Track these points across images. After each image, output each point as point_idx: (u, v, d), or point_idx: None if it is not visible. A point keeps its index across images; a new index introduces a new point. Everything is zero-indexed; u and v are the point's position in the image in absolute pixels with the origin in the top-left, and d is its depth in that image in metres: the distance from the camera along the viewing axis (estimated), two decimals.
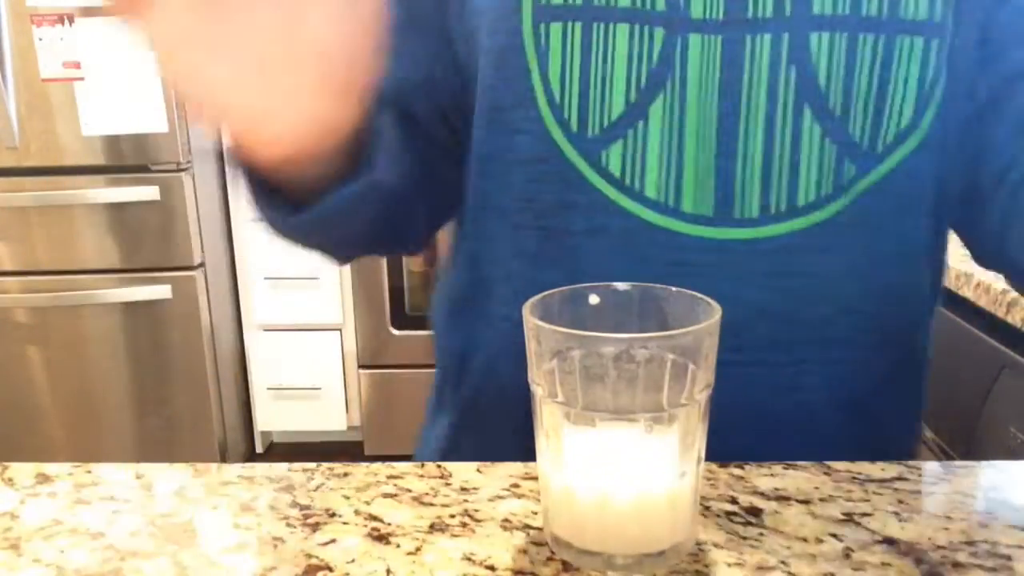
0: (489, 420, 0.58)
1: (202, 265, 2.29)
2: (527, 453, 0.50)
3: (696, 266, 0.50)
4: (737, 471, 0.51)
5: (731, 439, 0.48)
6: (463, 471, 0.51)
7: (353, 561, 0.42)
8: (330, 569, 0.41)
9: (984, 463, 0.52)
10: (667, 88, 0.48)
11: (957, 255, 1.06)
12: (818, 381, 0.54)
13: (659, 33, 0.48)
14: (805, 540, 0.43)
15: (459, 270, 0.60)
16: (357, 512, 0.46)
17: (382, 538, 0.44)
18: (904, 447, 0.61)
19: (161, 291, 2.25)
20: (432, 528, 0.45)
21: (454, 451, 0.63)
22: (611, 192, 0.50)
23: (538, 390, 0.41)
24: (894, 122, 0.49)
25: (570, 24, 0.48)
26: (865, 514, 0.46)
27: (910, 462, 0.52)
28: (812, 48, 0.48)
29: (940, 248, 0.58)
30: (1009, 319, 0.92)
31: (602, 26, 0.48)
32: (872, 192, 0.50)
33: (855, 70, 0.48)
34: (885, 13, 0.47)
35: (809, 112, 0.48)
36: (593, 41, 0.48)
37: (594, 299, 0.45)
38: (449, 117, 0.57)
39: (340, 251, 0.61)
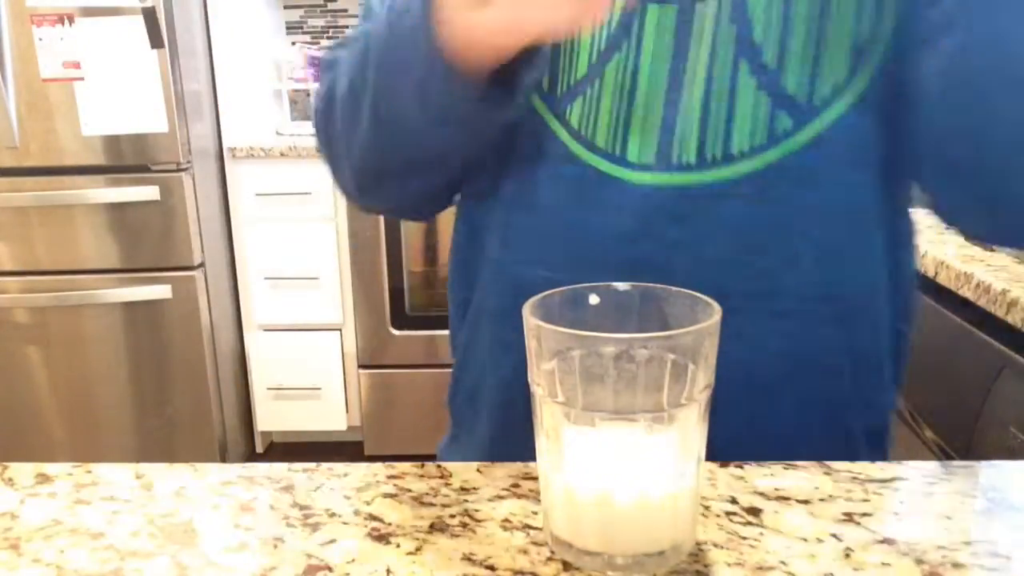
0: (476, 359, 0.65)
1: (202, 265, 2.29)
2: (505, 401, 0.60)
3: (639, 210, 0.54)
4: (737, 471, 0.51)
5: None
6: (463, 471, 0.51)
7: (353, 561, 0.42)
8: (330, 569, 0.41)
9: (984, 463, 0.52)
10: (623, 50, 0.54)
11: (958, 255, 1.06)
12: (759, 332, 0.55)
13: (619, 2, 0.54)
14: (805, 540, 0.43)
15: (459, 228, 0.66)
16: (357, 512, 0.46)
17: (382, 538, 0.44)
18: (866, 418, 0.61)
19: (161, 291, 2.25)
20: (432, 528, 0.45)
21: (453, 402, 0.70)
22: (570, 143, 0.56)
23: (538, 390, 0.41)
24: (829, 77, 0.51)
25: None
26: (865, 514, 0.46)
27: (910, 462, 0.52)
28: (750, 5, 0.51)
29: (895, 212, 0.59)
30: (1009, 319, 0.92)
31: None
32: (810, 146, 0.52)
33: (791, 24, 0.51)
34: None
35: (745, 65, 0.52)
36: None
37: (594, 299, 0.45)
38: None
39: (399, 186, 0.63)
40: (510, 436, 0.55)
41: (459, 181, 0.65)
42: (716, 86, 0.52)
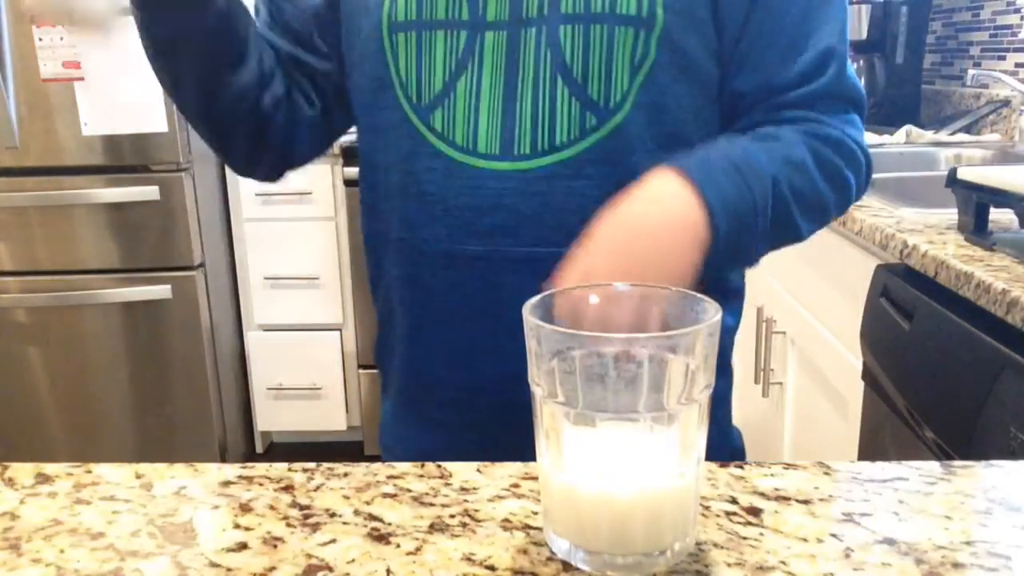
0: (391, 317, 0.82)
1: (202, 265, 2.29)
2: (415, 348, 0.78)
3: (491, 189, 0.71)
4: (737, 471, 0.51)
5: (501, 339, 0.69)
6: (463, 471, 0.51)
7: (353, 561, 0.42)
8: (330, 569, 0.41)
9: (984, 463, 0.52)
10: (468, 69, 0.71)
11: (958, 255, 1.06)
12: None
13: (463, 34, 0.71)
14: (805, 540, 0.43)
15: (364, 217, 0.83)
16: (357, 512, 0.46)
17: (382, 538, 0.44)
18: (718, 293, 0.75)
19: (161, 291, 2.25)
20: (432, 528, 0.45)
21: (379, 360, 0.86)
22: (436, 142, 0.72)
23: (538, 390, 0.41)
24: (619, 87, 0.69)
25: (410, 33, 0.72)
26: (865, 514, 0.46)
27: (910, 462, 0.52)
28: (561, 36, 0.69)
29: None
30: (1009, 319, 0.92)
31: (427, 32, 0.71)
32: (610, 137, 0.70)
33: (589, 50, 0.69)
34: (607, 10, 0.68)
35: (560, 80, 0.69)
36: (423, 43, 0.72)
37: (594, 299, 0.45)
38: (309, 60, 0.82)
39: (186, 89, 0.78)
40: (422, 374, 0.78)
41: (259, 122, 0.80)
42: (542, 95, 0.70)
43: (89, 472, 0.52)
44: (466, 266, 0.72)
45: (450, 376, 0.76)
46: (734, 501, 0.47)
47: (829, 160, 0.70)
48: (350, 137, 0.84)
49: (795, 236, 0.72)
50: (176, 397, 2.34)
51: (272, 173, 0.87)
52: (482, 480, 0.50)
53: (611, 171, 0.69)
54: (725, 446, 0.85)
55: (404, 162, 0.74)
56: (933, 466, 0.51)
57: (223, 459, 2.43)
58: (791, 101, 0.71)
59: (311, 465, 0.52)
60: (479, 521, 0.45)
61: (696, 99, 0.71)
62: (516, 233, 0.70)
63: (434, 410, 0.78)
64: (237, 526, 0.45)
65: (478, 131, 0.71)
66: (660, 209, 0.62)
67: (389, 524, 0.45)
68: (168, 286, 2.25)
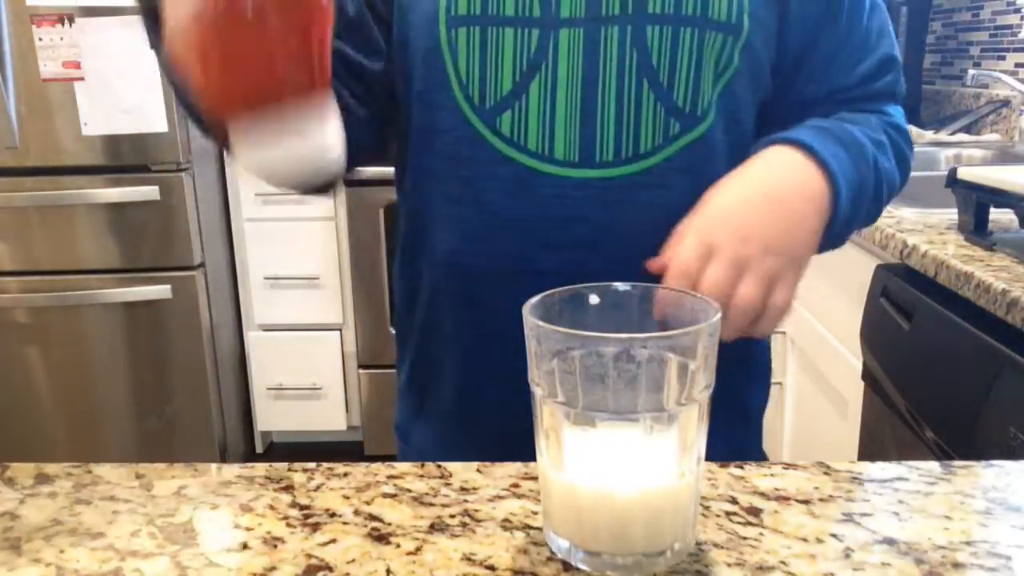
0: (439, 336, 0.75)
1: (202, 265, 2.29)
2: (469, 372, 0.72)
3: (568, 198, 0.66)
4: (737, 471, 0.51)
5: None
6: (463, 471, 0.51)
7: (353, 561, 0.42)
8: (330, 569, 0.41)
9: (984, 463, 0.52)
10: (542, 70, 0.66)
11: (958, 255, 1.06)
12: None
13: (535, 32, 0.66)
14: (805, 540, 0.43)
15: (404, 226, 0.76)
16: (357, 512, 0.46)
17: (382, 538, 0.44)
18: (740, 352, 0.70)
19: (161, 291, 2.25)
20: (432, 528, 0.45)
21: (416, 379, 0.79)
22: (503, 147, 0.67)
23: (538, 390, 0.41)
24: (705, 94, 0.67)
25: (473, 28, 0.66)
26: (865, 514, 0.46)
27: (910, 462, 0.52)
28: (648, 37, 0.65)
29: None
30: (1009, 319, 0.92)
31: (494, 29, 0.66)
32: (694, 145, 0.67)
33: (678, 53, 0.65)
34: (699, 13, 0.65)
35: (646, 83, 0.66)
36: (488, 40, 0.66)
37: (594, 299, 0.45)
38: (369, 66, 0.74)
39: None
40: (474, 398, 0.72)
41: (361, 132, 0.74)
42: (626, 98, 0.66)
43: (89, 472, 0.52)
44: (534, 283, 0.60)
45: (515, 401, 0.60)
46: (734, 501, 0.47)
47: (897, 144, 0.72)
48: None
49: (876, 215, 0.72)
50: (176, 397, 2.34)
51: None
52: (482, 480, 0.50)
53: (694, 182, 0.65)
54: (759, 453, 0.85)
55: (461, 168, 0.68)
56: (933, 466, 0.51)
57: (223, 459, 2.42)
58: (857, 96, 0.72)
59: (311, 465, 0.52)
60: (479, 521, 0.45)
61: (756, 111, 0.71)
62: (594, 247, 0.66)
63: (487, 439, 0.69)
64: (237, 526, 0.45)
65: (555, 136, 0.66)
66: (786, 176, 0.61)
67: (389, 524, 0.45)
68: (168, 286, 2.25)
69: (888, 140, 0.71)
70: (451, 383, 0.74)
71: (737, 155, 0.68)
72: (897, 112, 0.75)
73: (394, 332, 0.87)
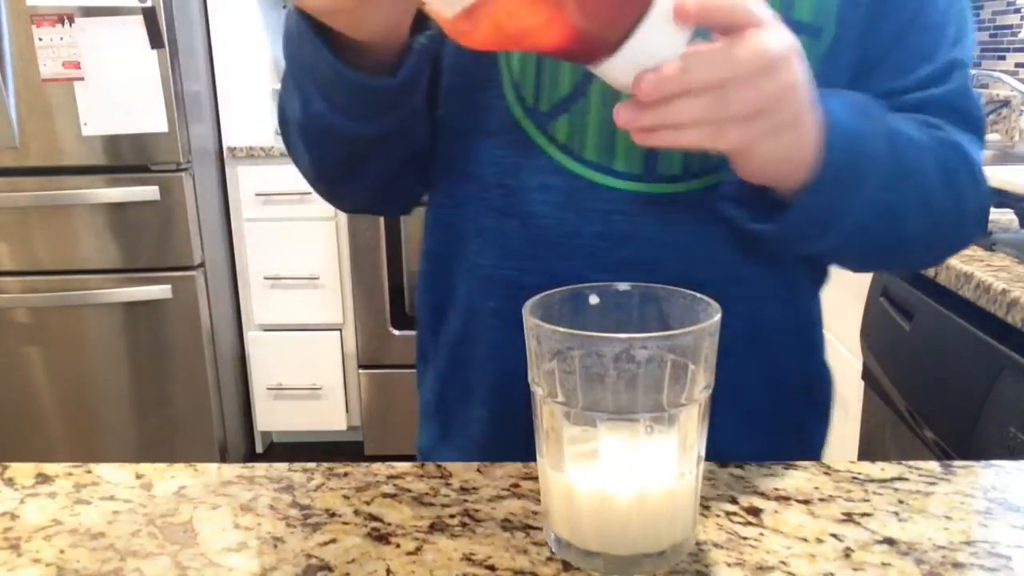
0: (474, 357, 0.68)
1: (202, 265, 2.29)
2: (507, 399, 0.64)
3: (627, 214, 0.60)
4: (737, 471, 0.51)
5: None
6: (463, 471, 0.51)
7: (353, 561, 0.42)
8: (330, 569, 0.41)
9: (984, 463, 0.52)
10: None
11: (958, 255, 1.06)
12: (727, 318, 0.60)
13: None
14: (805, 540, 0.43)
15: (435, 235, 0.70)
16: (357, 512, 0.46)
17: (382, 538, 0.44)
18: (803, 377, 0.69)
19: (161, 291, 2.25)
20: (432, 528, 0.45)
21: (443, 401, 0.73)
22: (558, 155, 0.61)
23: (538, 390, 0.41)
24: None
25: None
26: (865, 514, 0.46)
27: (910, 462, 0.52)
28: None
29: None
30: (1009, 319, 0.92)
31: None
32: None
33: None
34: (782, 13, 0.55)
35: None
36: None
37: (594, 299, 0.45)
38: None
39: (354, 182, 0.66)
40: (508, 427, 0.60)
41: (419, 170, 0.68)
42: None
43: (89, 472, 0.52)
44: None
45: None
46: (734, 501, 0.47)
47: (945, 160, 0.59)
48: None
49: (898, 219, 0.58)
50: (176, 397, 2.34)
51: (416, 191, 0.72)
52: (482, 480, 0.50)
53: (768, 197, 0.57)
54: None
55: (507, 176, 0.62)
56: (933, 466, 0.51)
57: (223, 459, 2.43)
58: (909, 103, 0.62)
59: (311, 465, 0.52)
60: (479, 521, 0.45)
61: None
62: (653, 268, 0.58)
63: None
64: (237, 526, 0.45)
65: (615, 145, 0.59)
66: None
67: (389, 524, 0.45)
68: (168, 286, 2.25)
69: (931, 150, 0.59)
70: (484, 410, 0.68)
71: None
72: (958, 132, 0.62)
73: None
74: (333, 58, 0.53)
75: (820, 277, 0.71)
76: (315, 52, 0.54)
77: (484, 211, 0.64)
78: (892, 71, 0.62)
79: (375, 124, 0.59)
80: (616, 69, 0.45)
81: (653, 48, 0.44)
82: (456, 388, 0.71)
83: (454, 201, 0.67)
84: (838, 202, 0.54)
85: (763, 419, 0.66)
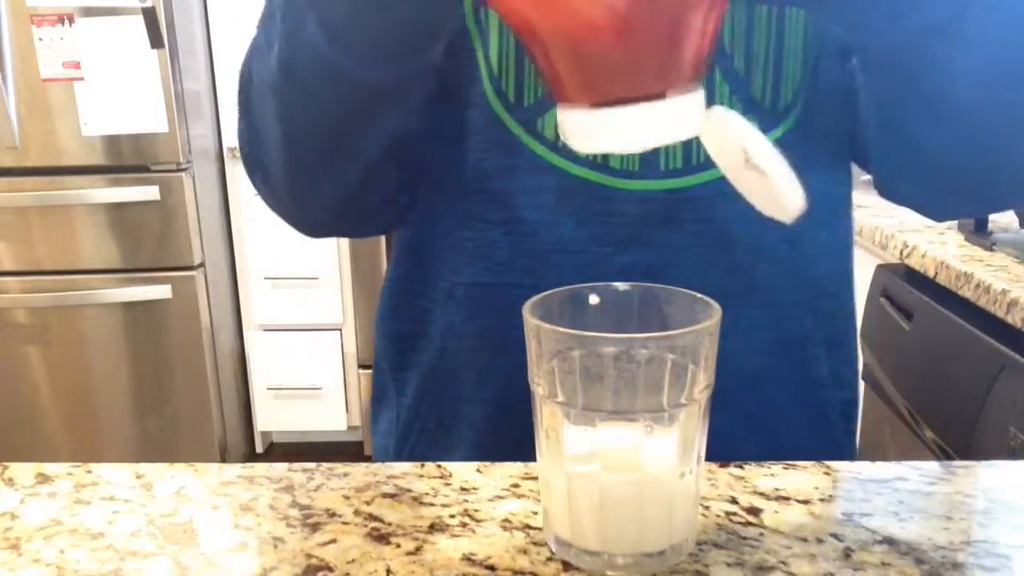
0: (451, 401, 0.61)
1: (202, 265, 2.29)
2: (496, 436, 0.58)
3: (625, 215, 0.55)
4: (737, 471, 0.51)
5: None
6: (463, 471, 0.51)
7: (353, 561, 0.42)
8: (330, 569, 0.41)
9: (984, 463, 0.52)
10: None
11: (958, 255, 1.06)
12: (747, 324, 0.56)
13: None
14: (805, 540, 0.43)
15: (401, 261, 0.64)
16: (357, 512, 0.46)
17: (382, 538, 0.44)
18: (837, 392, 0.63)
19: (161, 291, 2.25)
20: (432, 528, 0.45)
21: (411, 447, 0.65)
22: (546, 154, 0.55)
23: (538, 390, 0.41)
24: (790, 84, 0.54)
25: None
26: (865, 514, 0.46)
27: (910, 462, 0.52)
28: None
29: (850, 202, 0.63)
30: (1009, 319, 0.92)
31: None
32: (778, 145, 0.50)
33: (753, 35, 0.53)
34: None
35: (719, 73, 0.53)
36: None
37: (594, 299, 0.45)
38: None
39: (333, 169, 0.56)
40: (496, 456, 0.55)
41: (402, 168, 0.59)
42: None
43: (89, 472, 0.52)
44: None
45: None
46: (734, 501, 0.47)
47: None
48: None
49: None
50: (176, 397, 2.34)
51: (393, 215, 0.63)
52: (482, 480, 0.50)
53: None
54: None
55: (488, 180, 0.56)
56: (933, 466, 0.51)
57: (223, 459, 2.43)
58: None
59: (311, 465, 0.52)
60: (479, 521, 0.45)
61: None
62: (660, 274, 0.51)
63: None
64: (237, 526, 0.45)
65: None
66: None
67: (389, 524, 0.45)
68: (168, 286, 2.25)
69: None
70: (467, 449, 0.61)
71: (845, 152, 0.57)
72: None
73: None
74: None
75: (851, 266, 0.64)
76: None
77: (460, 221, 0.58)
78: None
79: (386, 70, 0.48)
80: None
81: None
82: (430, 432, 0.63)
83: (425, 216, 0.61)
84: None
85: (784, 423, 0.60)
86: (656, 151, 0.54)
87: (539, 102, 0.55)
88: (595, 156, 0.55)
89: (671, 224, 0.55)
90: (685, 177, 0.54)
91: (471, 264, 0.58)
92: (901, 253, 1.17)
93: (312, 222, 0.64)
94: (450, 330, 0.60)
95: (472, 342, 0.59)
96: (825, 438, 0.63)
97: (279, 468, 0.52)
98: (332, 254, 2.41)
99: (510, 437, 0.54)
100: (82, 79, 2.11)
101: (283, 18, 0.48)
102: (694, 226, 0.55)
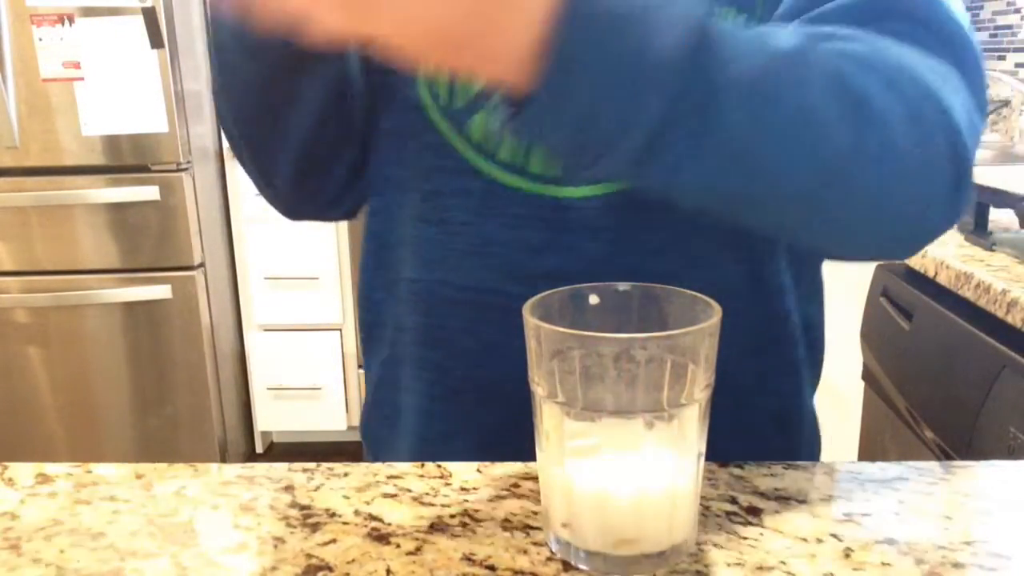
0: (397, 391, 0.63)
1: (202, 265, 2.29)
2: (431, 428, 0.60)
3: (543, 220, 0.55)
4: (737, 471, 0.51)
5: None
6: (463, 471, 0.51)
7: (353, 561, 0.42)
8: (330, 569, 0.41)
9: (984, 463, 0.52)
10: None
11: (958, 255, 1.06)
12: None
13: None
14: (805, 540, 0.43)
15: (366, 246, 0.66)
16: (357, 512, 0.46)
17: (382, 538, 0.44)
18: (771, 404, 0.60)
19: (161, 291, 2.25)
20: (432, 528, 0.45)
21: (368, 434, 0.68)
22: (472, 156, 0.56)
23: (538, 390, 0.41)
24: None
25: None
26: (865, 514, 0.46)
27: (910, 462, 0.52)
28: None
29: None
30: (1009, 319, 0.92)
31: None
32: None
33: None
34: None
35: None
36: None
37: (594, 299, 0.45)
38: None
39: (274, 139, 0.60)
40: (431, 450, 0.57)
41: (343, 135, 0.61)
42: None
43: (89, 472, 0.52)
44: (502, 320, 0.52)
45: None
46: (734, 501, 0.47)
47: (890, 61, 0.44)
48: None
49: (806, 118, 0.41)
50: (176, 397, 2.34)
51: (347, 198, 0.67)
52: (482, 480, 0.50)
53: None
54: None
55: (425, 181, 0.58)
56: (933, 466, 0.51)
57: (223, 459, 2.42)
58: (828, 15, 0.48)
59: (311, 465, 0.52)
60: (479, 521, 0.45)
61: None
62: (578, 280, 0.48)
63: None
64: (237, 526, 0.45)
65: (531, 147, 0.54)
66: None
67: (389, 524, 0.45)
68: (168, 286, 2.25)
69: (862, 51, 0.44)
70: (409, 442, 0.62)
71: None
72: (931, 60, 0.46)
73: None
74: None
75: (803, 269, 0.61)
76: None
77: (406, 218, 0.60)
78: None
79: (295, 72, 0.54)
80: None
81: None
82: (383, 419, 0.66)
83: (380, 206, 0.63)
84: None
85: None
86: None
87: (469, 105, 0.55)
88: (515, 160, 0.55)
89: (590, 230, 0.54)
90: (601, 186, 0.54)
91: (411, 260, 0.60)
92: None
93: (278, 194, 0.67)
94: (396, 323, 0.62)
95: (411, 335, 0.61)
96: (757, 455, 0.57)
97: (279, 468, 0.52)
98: (332, 254, 2.41)
99: (443, 432, 0.59)
100: (82, 79, 2.11)
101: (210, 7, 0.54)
102: (614, 234, 0.55)
